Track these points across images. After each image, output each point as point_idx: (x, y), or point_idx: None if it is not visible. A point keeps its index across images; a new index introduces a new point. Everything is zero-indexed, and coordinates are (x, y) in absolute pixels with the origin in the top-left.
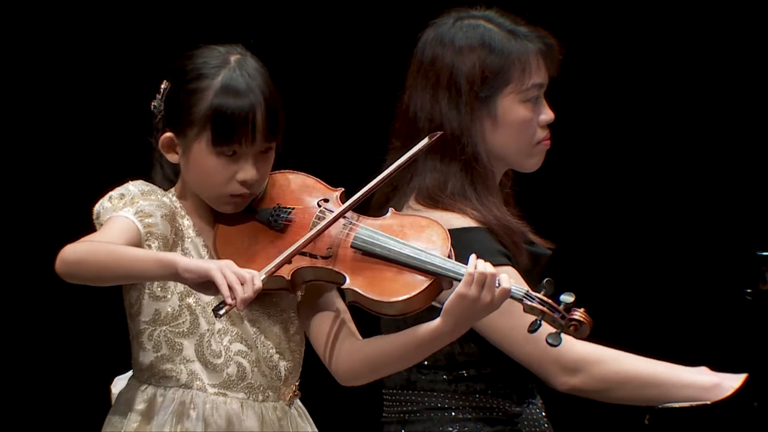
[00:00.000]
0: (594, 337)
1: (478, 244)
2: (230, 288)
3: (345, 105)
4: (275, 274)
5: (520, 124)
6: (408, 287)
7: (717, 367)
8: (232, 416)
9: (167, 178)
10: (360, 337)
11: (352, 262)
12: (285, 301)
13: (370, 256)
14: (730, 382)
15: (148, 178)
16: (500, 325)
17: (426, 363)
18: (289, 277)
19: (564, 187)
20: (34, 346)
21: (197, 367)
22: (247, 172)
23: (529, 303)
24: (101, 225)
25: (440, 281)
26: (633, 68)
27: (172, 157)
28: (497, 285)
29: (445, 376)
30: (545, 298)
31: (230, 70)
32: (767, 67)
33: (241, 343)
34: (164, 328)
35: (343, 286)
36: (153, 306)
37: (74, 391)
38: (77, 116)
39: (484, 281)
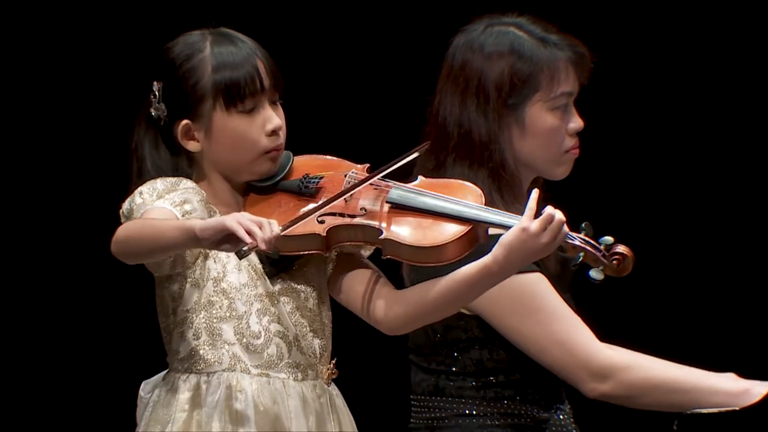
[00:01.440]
0: (624, 340)
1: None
2: (248, 232)
3: (374, 109)
4: (310, 231)
5: (548, 132)
6: (445, 234)
7: (746, 373)
8: (276, 396)
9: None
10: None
11: (387, 216)
12: (317, 277)
13: (405, 209)
14: (759, 389)
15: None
16: (530, 332)
17: (454, 369)
18: (325, 234)
19: (594, 191)
20: (59, 351)
21: (238, 349)
22: (273, 120)
23: (571, 242)
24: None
25: (477, 229)
26: (648, 72)
27: (193, 146)
28: (558, 231)
29: (473, 383)
30: (586, 237)
31: (214, 37)
32: None
33: (278, 323)
34: (203, 314)
35: (380, 237)
36: (193, 294)
37: (97, 397)
38: (74, 117)
39: (550, 221)
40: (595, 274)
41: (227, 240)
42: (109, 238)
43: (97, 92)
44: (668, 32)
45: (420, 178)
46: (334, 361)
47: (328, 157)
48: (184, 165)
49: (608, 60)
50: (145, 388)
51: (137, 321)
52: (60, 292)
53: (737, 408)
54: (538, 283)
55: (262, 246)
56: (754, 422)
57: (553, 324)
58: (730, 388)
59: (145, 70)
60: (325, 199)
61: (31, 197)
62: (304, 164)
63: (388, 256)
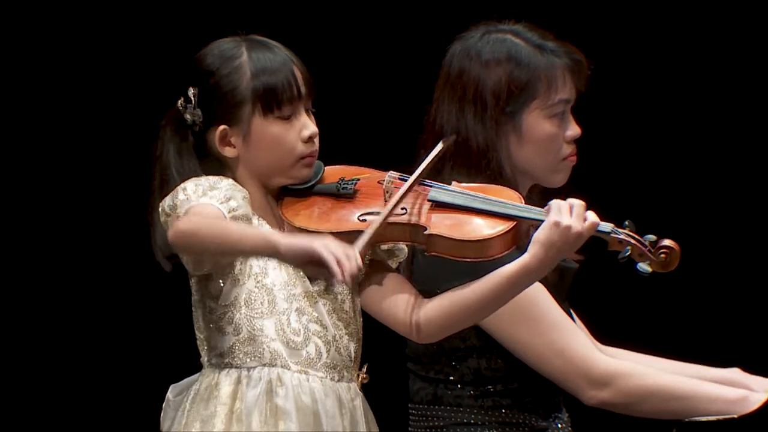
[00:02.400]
0: (629, 343)
1: (503, 258)
2: (338, 262)
3: (372, 117)
4: (355, 229)
5: (545, 140)
6: (490, 228)
7: (752, 369)
8: (315, 394)
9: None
10: None
11: (429, 214)
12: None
13: (447, 207)
14: (757, 396)
15: None
16: (529, 342)
17: (452, 378)
18: None
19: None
20: (66, 354)
21: (278, 346)
22: (309, 126)
23: (617, 236)
24: (179, 216)
25: (520, 226)
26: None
27: (229, 151)
28: (585, 219)
29: (471, 392)
30: (631, 233)
31: (249, 44)
32: None
33: (317, 323)
34: (243, 310)
35: (425, 233)
36: (234, 290)
37: (125, 401)
38: (86, 120)
39: (571, 208)
40: (643, 267)
41: (311, 263)
42: (123, 241)
43: (105, 95)
44: (683, 30)
45: (454, 183)
46: (366, 366)
47: (356, 166)
48: (212, 171)
49: (615, 61)
50: (173, 391)
51: (153, 324)
52: (76, 297)
53: (735, 416)
54: (536, 293)
55: (348, 281)
56: (752, 430)
57: (552, 333)
58: (728, 396)
59: (172, 77)
60: (382, 214)
61: (40, 197)
62: (337, 172)
63: (433, 253)
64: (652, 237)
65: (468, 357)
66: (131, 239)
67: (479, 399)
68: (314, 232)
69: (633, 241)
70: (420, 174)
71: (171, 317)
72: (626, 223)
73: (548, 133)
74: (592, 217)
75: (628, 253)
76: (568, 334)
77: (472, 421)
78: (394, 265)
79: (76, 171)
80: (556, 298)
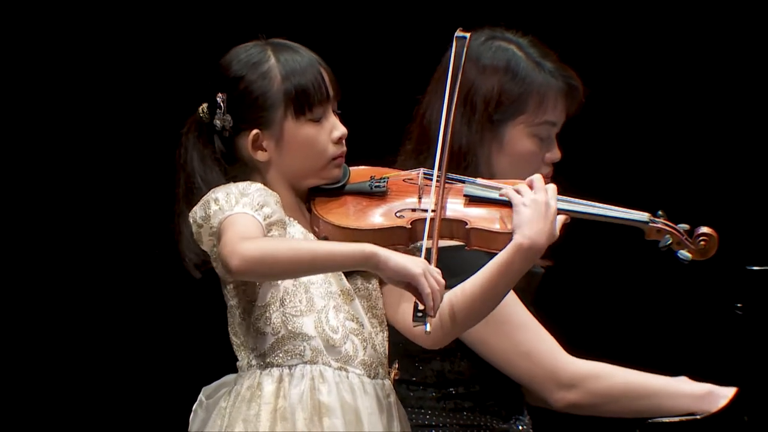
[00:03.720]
0: (586, 351)
1: (470, 262)
2: (431, 293)
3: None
4: (395, 225)
5: (523, 156)
6: None
7: (706, 380)
8: (355, 390)
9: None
10: None
11: (466, 209)
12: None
13: (483, 201)
14: (723, 391)
15: None
16: (496, 343)
17: (415, 380)
18: (410, 225)
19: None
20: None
21: (318, 343)
22: (339, 127)
23: (655, 225)
24: (213, 228)
25: None
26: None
27: (261, 155)
28: (546, 190)
29: (433, 394)
30: (668, 221)
31: (274, 47)
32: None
33: (353, 321)
34: (282, 309)
35: (466, 227)
36: (270, 290)
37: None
38: (87, 121)
39: (531, 185)
40: (684, 254)
41: (404, 285)
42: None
43: (121, 100)
44: (700, 23)
45: (478, 179)
46: (397, 362)
47: (375, 167)
48: (239, 176)
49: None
50: (205, 392)
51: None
52: (96, 301)
53: (699, 416)
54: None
55: (433, 315)
56: (714, 430)
57: (519, 335)
58: (695, 391)
59: (193, 83)
60: (428, 211)
61: (58, 202)
62: (362, 171)
63: (475, 247)
64: (685, 226)
65: (432, 359)
66: (151, 245)
67: (441, 401)
68: (355, 230)
69: (671, 229)
70: (444, 172)
71: (194, 321)
72: (659, 212)
73: (528, 150)
74: (550, 186)
75: (669, 242)
76: (535, 336)
77: (433, 423)
78: None
79: (96, 177)
80: (523, 302)
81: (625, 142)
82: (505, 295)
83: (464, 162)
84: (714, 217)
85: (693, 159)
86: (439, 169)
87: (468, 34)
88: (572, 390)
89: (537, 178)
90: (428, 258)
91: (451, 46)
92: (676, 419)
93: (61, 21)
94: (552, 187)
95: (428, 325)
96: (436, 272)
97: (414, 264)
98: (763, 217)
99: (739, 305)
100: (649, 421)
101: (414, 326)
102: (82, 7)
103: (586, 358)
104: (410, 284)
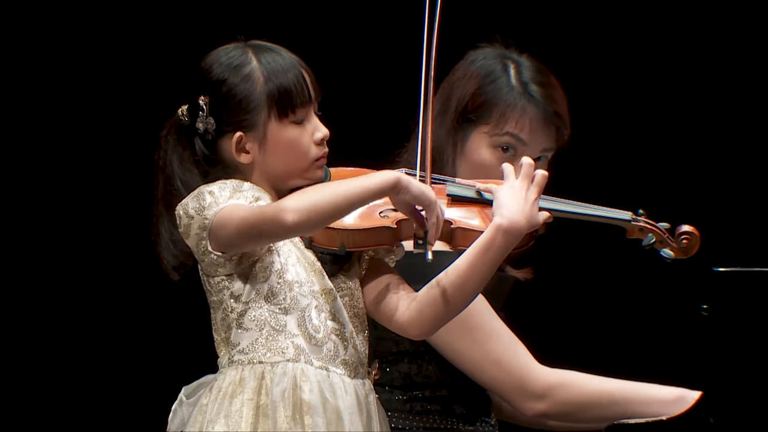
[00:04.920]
0: (553, 355)
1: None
2: (437, 222)
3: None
4: (380, 225)
5: (481, 165)
6: None
7: (672, 381)
8: (336, 390)
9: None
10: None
11: (450, 208)
12: (359, 278)
13: (465, 201)
14: (693, 395)
15: None
16: (466, 350)
17: (381, 382)
18: (395, 225)
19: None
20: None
21: (301, 341)
22: (320, 129)
23: (637, 224)
24: (206, 219)
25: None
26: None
27: (245, 158)
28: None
29: (399, 396)
30: (649, 220)
31: (254, 49)
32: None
33: (334, 320)
34: (266, 306)
35: (451, 227)
36: (255, 287)
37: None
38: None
39: (520, 169)
40: (667, 252)
41: (412, 214)
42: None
43: (100, 101)
44: (687, 27)
45: (457, 179)
46: (377, 362)
47: (355, 168)
48: (220, 178)
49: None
50: (186, 391)
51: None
52: (77, 301)
53: (664, 418)
54: (475, 302)
55: (433, 243)
56: (680, 431)
57: (489, 343)
58: (666, 396)
59: (173, 85)
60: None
61: (40, 201)
62: (343, 171)
63: (459, 247)
64: (666, 224)
65: (399, 361)
66: (130, 246)
67: (407, 404)
68: (339, 230)
69: (654, 228)
70: (424, 172)
71: (174, 321)
72: (640, 211)
73: (485, 159)
74: (539, 172)
75: (652, 241)
76: (505, 345)
77: (399, 426)
78: (392, 264)
79: (73, 178)
80: (493, 307)
81: (603, 143)
82: (488, 278)
83: (438, 162)
84: (682, 217)
85: (658, 159)
86: (422, 168)
87: None
88: (541, 400)
89: (525, 162)
90: None
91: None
92: (642, 420)
93: (37, 21)
94: (540, 173)
95: (429, 252)
96: (443, 204)
97: (430, 191)
98: (728, 219)
99: (705, 306)
100: (616, 422)
101: (415, 252)
102: (60, 10)
103: (554, 363)
104: (417, 212)
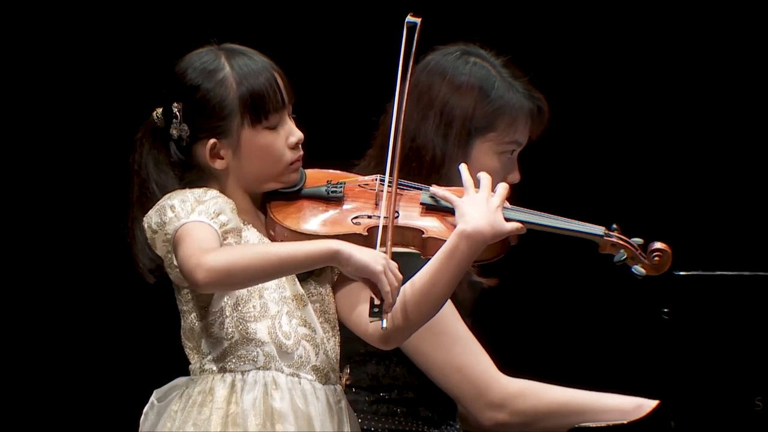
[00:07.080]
0: (513, 363)
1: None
2: (391, 291)
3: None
4: (351, 231)
5: (486, 172)
6: None
7: (631, 385)
8: (307, 396)
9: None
10: None
11: (422, 217)
12: (331, 284)
13: (439, 210)
14: (652, 404)
15: None
16: (431, 354)
17: (348, 383)
18: (366, 233)
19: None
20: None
21: (271, 348)
22: (295, 132)
23: (610, 239)
24: (168, 235)
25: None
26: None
27: (219, 164)
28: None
29: (367, 398)
30: (622, 236)
31: (227, 53)
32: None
33: (305, 326)
34: (236, 314)
35: (423, 236)
36: (223, 295)
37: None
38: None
39: (486, 182)
40: (638, 269)
41: (364, 281)
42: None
43: (77, 103)
44: (671, 35)
45: (432, 187)
46: (348, 367)
47: (332, 171)
48: (195, 181)
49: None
50: (157, 394)
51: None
52: (58, 303)
53: (625, 422)
54: (443, 307)
55: (389, 311)
56: None
57: (454, 348)
58: (624, 405)
59: (149, 89)
60: (381, 215)
61: (34, 198)
62: (319, 175)
63: (430, 256)
64: (639, 240)
65: (367, 362)
66: (106, 248)
67: (374, 405)
68: (311, 236)
69: (626, 244)
70: (397, 176)
71: (146, 323)
72: (613, 226)
73: (492, 167)
74: (500, 185)
75: (624, 257)
76: (468, 352)
77: (365, 427)
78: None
79: (49, 181)
80: (460, 314)
81: (577, 156)
82: (454, 286)
83: (435, 174)
84: (641, 222)
85: (631, 172)
86: (391, 174)
87: (419, 20)
88: (501, 410)
89: (483, 177)
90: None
91: (402, 33)
92: (603, 424)
93: (10, 24)
94: (501, 186)
95: (384, 321)
96: (395, 266)
97: (375, 261)
98: (688, 223)
99: (665, 310)
100: (577, 426)
101: (370, 321)
102: (34, 13)
103: (515, 371)
104: (372, 282)
